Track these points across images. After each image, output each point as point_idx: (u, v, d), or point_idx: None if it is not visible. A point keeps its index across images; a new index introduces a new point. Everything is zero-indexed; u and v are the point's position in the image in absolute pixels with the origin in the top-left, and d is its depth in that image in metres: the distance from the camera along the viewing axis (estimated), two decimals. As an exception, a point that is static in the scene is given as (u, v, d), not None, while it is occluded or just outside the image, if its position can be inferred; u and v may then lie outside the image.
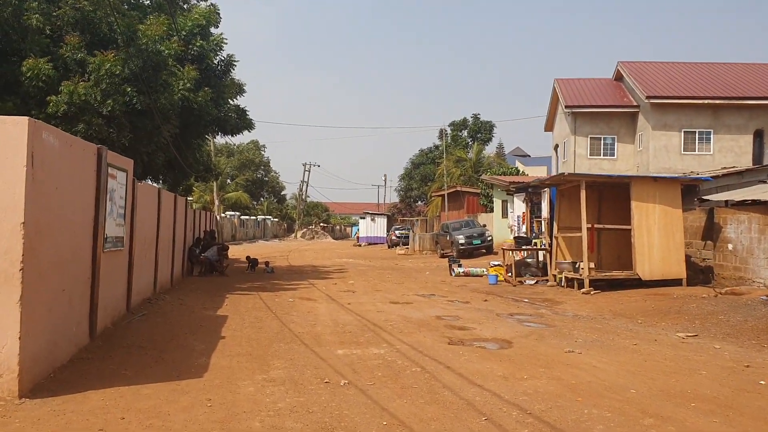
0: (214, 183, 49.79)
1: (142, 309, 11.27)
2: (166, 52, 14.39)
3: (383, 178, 78.58)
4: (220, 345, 8.13)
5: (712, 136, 33.23)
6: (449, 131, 53.85)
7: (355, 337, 8.72)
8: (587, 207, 17.50)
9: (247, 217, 65.05)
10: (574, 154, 35.90)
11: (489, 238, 31.25)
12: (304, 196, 78.46)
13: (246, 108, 20.10)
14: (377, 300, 13.75)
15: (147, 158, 16.18)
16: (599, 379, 6.17)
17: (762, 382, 6.09)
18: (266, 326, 9.75)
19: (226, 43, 17.90)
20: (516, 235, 21.18)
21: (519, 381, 6.14)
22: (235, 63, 18.56)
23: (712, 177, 17.78)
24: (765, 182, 17.49)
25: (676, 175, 19.18)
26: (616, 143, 35.97)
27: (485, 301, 14.03)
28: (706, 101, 32.51)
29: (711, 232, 17.11)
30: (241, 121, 19.74)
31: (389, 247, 46.71)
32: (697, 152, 33.09)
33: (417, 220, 47.38)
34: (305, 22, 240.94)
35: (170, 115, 15.50)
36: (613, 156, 35.68)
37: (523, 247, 19.27)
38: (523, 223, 21.35)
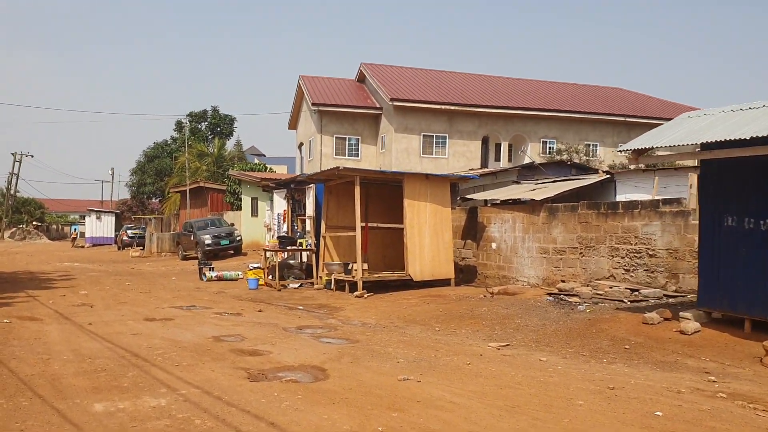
0: None
1: None
2: None
3: (111, 172, 70.87)
4: None
5: (447, 140, 35.00)
6: (186, 122, 50.14)
7: (114, 379, 6.28)
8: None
9: (-64, 215, 54.02)
10: (320, 153, 35.41)
11: (238, 238, 29.14)
12: (13, 191, 67.65)
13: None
14: (126, 317, 11.04)
15: None
16: (480, 427, 4.79)
17: (658, 413, 5.23)
18: (-27, 368, 6.80)
19: None
20: (277, 234, 19.53)
21: (380, 437, 4.52)
22: None
23: (477, 176, 17.99)
24: (518, 182, 18.15)
25: (447, 173, 19.18)
26: (360, 144, 36.29)
27: (260, 311, 12.13)
28: (443, 107, 34.08)
29: (471, 231, 17.24)
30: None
31: (120, 248, 41.82)
32: (434, 155, 34.59)
33: (152, 218, 43.22)
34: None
35: None
36: (357, 157, 35.92)
37: (289, 248, 17.69)
38: (284, 222, 19.78)
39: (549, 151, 35.40)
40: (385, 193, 17.65)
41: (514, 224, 15.50)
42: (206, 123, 51.86)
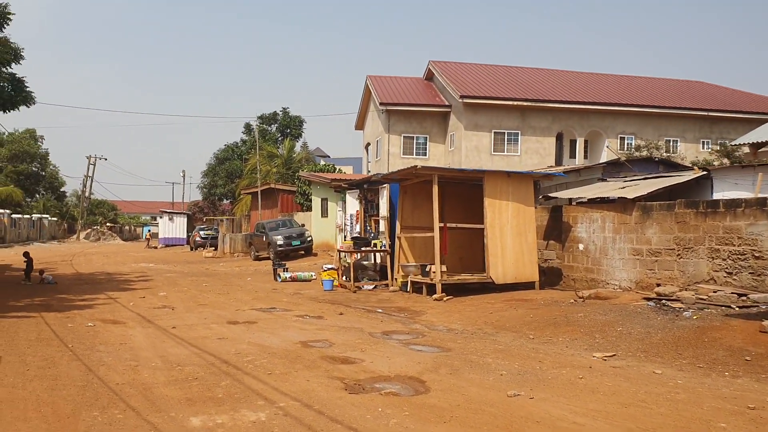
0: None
1: None
2: None
3: (182, 174, 72.61)
4: (-12, 420, 5.04)
5: (519, 137, 34.17)
6: (255, 125, 50.61)
7: (208, 389, 6.00)
8: (431, 204, 16.09)
9: (20, 215, 56.39)
10: (388, 153, 35.19)
11: (309, 239, 29.08)
12: (88, 193, 70.15)
13: (24, 78, 15.86)
14: (209, 320, 10.89)
15: None
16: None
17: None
18: (63, 374, 6.64)
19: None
20: (352, 235, 19.25)
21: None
22: (9, 16, 14.39)
23: (563, 173, 17.23)
24: (604, 180, 17.28)
25: (530, 170, 18.50)
26: (428, 143, 35.89)
27: (341, 314, 11.79)
28: (515, 103, 33.27)
29: (554, 231, 16.50)
30: (17, 94, 15.50)
31: (192, 249, 42.56)
32: (506, 153, 33.83)
33: (224, 219, 43.87)
34: (89, 7, 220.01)
35: None
36: (425, 156, 35.52)
37: (363, 249, 17.36)
38: (357, 223, 19.47)
39: (627, 148, 34.07)
40: (462, 192, 17.11)
41: (603, 224, 14.69)
42: (276, 125, 52.24)
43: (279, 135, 51.63)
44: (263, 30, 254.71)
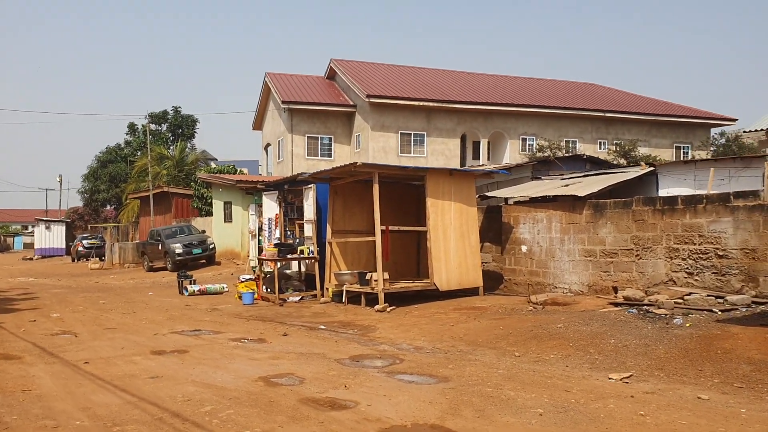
0: None
1: None
2: None
3: (58, 179, 66.74)
4: None
5: (425, 138, 33.70)
6: (143, 124, 47.00)
7: (172, 464, 4.31)
8: (365, 206, 14.80)
9: None
10: (291, 153, 33.70)
11: (211, 246, 26.81)
12: (-52, 201, 63.06)
13: None
14: (127, 349, 8.88)
15: None
16: None
17: None
18: (-51, 449, 4.70)
19: None
20: (272, 241, 17.45)
21: None
22: None
23: (507, 171, 16.30)
24: (539, 178, 16.56)
25: (473, 168, 17.45)
26: (333, 143, 34.69)
27: (284, 335, 10.11)
28: (421, 103, 32.78)
29: (491, 232, 15.59)
30: None
31: (74, 260, 38.75)
32: (412, 154, 33.28)
33: (109, 227, 40.26)
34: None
35: None
36: (331, 157, 34.34)
37: (289, 256, 15.68)
38: (276, 227, 17.71)
39: (529, 149, 34.28)
40: (393, 193, 15.85)
41: (549, 224, 13.86)
42: (167, 124, 48.71)
43: (170, 135, 48.19)
44: (150, 23, 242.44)
